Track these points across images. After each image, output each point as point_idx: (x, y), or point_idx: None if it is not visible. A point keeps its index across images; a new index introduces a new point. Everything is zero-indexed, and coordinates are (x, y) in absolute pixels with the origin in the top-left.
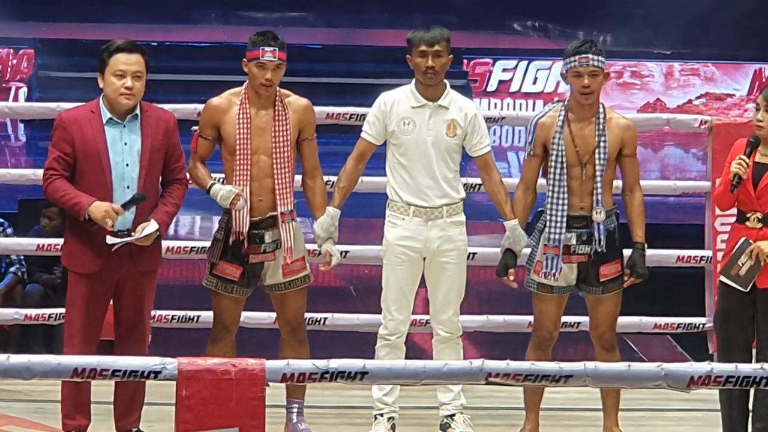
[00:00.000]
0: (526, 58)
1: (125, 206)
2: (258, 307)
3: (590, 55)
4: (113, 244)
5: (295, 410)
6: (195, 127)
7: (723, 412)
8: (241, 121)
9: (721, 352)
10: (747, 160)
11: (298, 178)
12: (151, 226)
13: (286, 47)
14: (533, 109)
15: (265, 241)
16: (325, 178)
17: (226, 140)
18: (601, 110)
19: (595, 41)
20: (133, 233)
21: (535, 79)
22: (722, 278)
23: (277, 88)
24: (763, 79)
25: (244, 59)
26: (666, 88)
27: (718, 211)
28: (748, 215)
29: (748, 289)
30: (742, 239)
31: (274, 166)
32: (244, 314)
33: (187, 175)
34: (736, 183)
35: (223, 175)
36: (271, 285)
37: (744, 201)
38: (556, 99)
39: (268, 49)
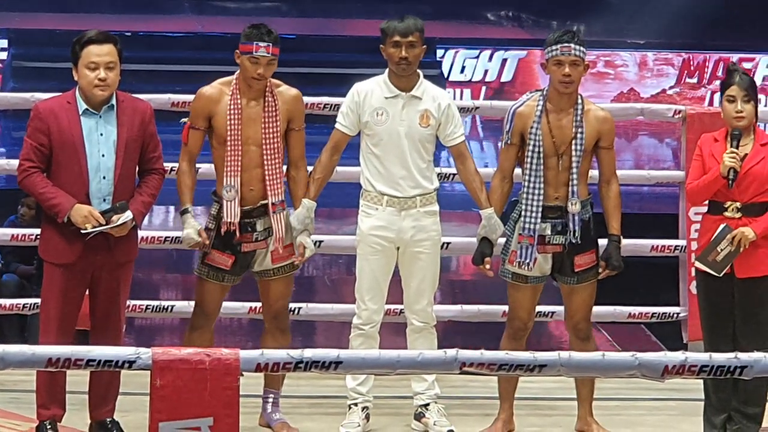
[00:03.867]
0: (453, 47)
1: (105, 213)
2: (233, 296)
3: (572, 45)
4: (87, 233)
5: (271, 400)
6: (185, 119)
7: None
8: (232, 111)
9: (708, 344)
10: (738, 152)
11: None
12: (126, 216)
13: (279, 41)
14: (461, 99)
15: (256, 230)
16: None
17: (217, 130)
18: (579, 101)
19: (577, 32)
20: (109, 222)
21: (463, 67)
22: (697, 264)
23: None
24: (692, 68)
25: (237, 51)
26: (640, 78)
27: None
28: (726, 205)
29: (721, 275)
30: (723, 225)
31: (264, 156)
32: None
33: (164, 165)
34: (733, 177)
35: (210, 165)
36: (260, 272)
37: (722, 191)
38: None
39: (262, 44)
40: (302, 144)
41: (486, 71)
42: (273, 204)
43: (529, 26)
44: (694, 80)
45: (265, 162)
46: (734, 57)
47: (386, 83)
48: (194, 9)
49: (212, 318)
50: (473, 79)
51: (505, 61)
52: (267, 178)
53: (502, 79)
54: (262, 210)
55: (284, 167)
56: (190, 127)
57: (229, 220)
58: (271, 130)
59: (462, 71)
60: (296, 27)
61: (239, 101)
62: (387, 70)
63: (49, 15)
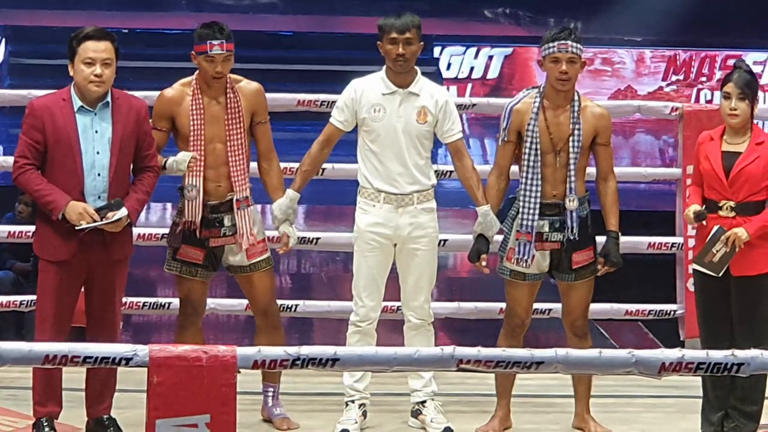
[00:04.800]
0: (450, 44)
1: (100, 210)
2: (229, 293)
3: (569, 42)
4: (81, 228)
5: (271, 394)
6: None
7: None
8: (194, 111)
9: (705, 342)
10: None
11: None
12: (120, 212)
13: (232, 37)
14: None
15: (224, 225)
16: (295, 164)
17: (181, 131)
18: (576, 98)
19: (574, 29)
20: (104, 219)
21: (449, 64)
22: (695, 266)
23: (228, 75)
24: (678, 64)
25: (193, 52)
26: (637, 75)
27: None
28: (721, 204)
29: (720, 275)
30: (716, 227)
31: (229, 153)
32: (216, 301)
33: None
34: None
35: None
36: (236, 267)
37: (716, 190)
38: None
39: (215, 42)
40: (269, 136)
41: (472, 68)
42: (237, 200)
43: (526, 23)
44: (681, 77)
45: (230, 159)
46: (720, 54)
47: (383, 80)
48: (191, 6)
49: (198, 315)
50: (459, 76)
51: (491, 57)
52: (232, 173)
53: (488, 76)
54: (229, 205)
55: (252, 163)
56: (152, 128)
57: (190, 219)
58: (234, 127)
59: (448, 68)
60: (293, 24)
61: (201, 101)
62: (384, 67)
63: (46, 12)
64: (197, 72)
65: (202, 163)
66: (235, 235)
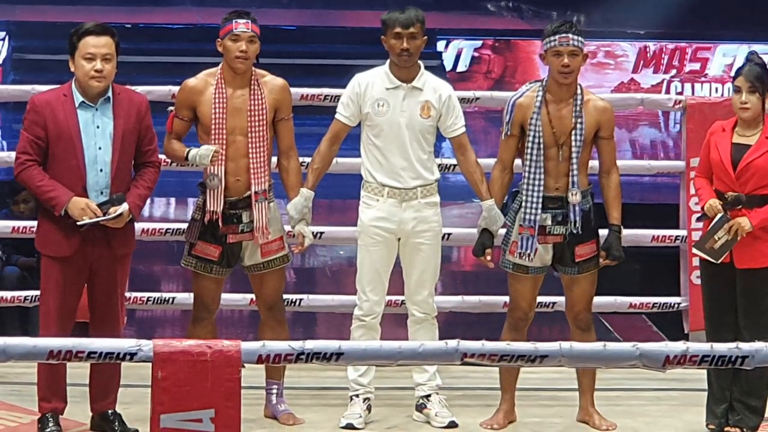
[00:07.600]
0: (454, 37)
1: (102, 205)
2: (234, 288)
3: (570, 35)
4: (82, 225)
5: (275, 392)
6: (171, 108)
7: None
8: (217, 101)
9: (710, 334)
10: (717, 209)
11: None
12: (121, 207)
13: (258, 24)
14: None
15: (242, 221)
16: (300, 159)
17: (203, 121)
18: (579, 91)
19: (576, 22)
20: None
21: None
22: (695, 251)
23: (253, 69)
24: (648, 56)
25: (218, 39)
26: (640, 68)
27: (692, 191)
28: (727, 196)
29: (719, 261)
30: (720, 214)
31: (250, 145)
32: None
33: (161, 157)
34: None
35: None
36: (250, 265)
37: (723, 181)
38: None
39: (241, 21)
40: (291, 133)
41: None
42: (255, 193)
43: (529, 17)
44: (651, 70)
45: (251, 151)
46: (691, 47)
47: (387, 74)
48: (194, 1)
49: (212, 310)
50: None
51: (461, 50)
52: (252, 167)
53: (458, 69)
54: (247, 201)
55: (273, 158)
56: (174, 116)
57: (212, 209)
58: (257, 120)
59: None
60: (297, 18)
61: (224, 91)
62: (388, 61)
63: (49, 7)
64: (222, 62)
65: (224, 155)
66: (253, 231)
